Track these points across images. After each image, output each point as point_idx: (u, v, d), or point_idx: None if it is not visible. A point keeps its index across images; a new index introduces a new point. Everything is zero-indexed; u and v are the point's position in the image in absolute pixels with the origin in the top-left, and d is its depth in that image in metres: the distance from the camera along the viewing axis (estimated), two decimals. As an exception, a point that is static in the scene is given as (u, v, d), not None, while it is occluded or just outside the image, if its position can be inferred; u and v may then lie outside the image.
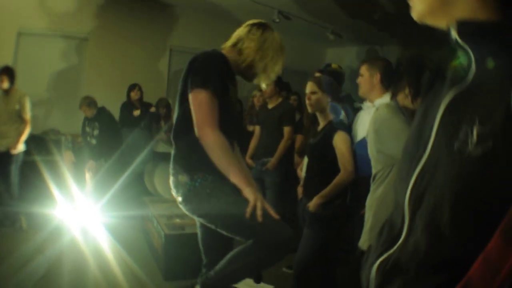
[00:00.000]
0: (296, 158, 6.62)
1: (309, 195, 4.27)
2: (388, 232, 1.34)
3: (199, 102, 3.06)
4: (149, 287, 5.10)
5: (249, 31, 3.38)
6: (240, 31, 3.41)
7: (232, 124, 3.34)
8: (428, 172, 1.15)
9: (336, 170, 4.11)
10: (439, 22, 1.19)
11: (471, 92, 1.08)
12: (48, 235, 6.41)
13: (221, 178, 3.15)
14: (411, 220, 1.21)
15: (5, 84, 6.85)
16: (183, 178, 3.22)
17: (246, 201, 3.04)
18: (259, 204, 2.88)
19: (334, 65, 6.44)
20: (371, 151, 3.56)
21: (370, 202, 3.56)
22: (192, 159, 3.21)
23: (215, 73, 3.13)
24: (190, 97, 3.10)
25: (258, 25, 3.40)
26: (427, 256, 1.13)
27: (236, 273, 3.39)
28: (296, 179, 5.14)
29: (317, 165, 4.37)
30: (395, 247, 1.25)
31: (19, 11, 8.70)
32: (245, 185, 3.03)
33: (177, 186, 3.27)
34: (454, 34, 1.13)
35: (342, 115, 4.62)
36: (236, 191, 3.13)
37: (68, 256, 5.69)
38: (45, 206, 6.96)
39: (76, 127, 8.52)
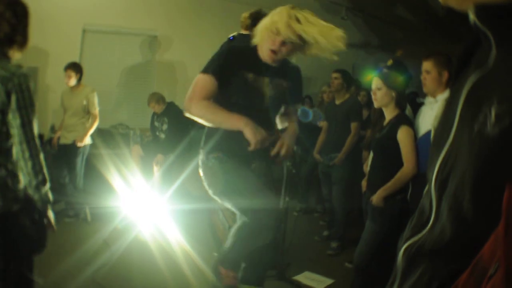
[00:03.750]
0: (364, 153, 6.77)
1: (372, 189, 4.41)
2: (418, 218, 1.41)
3: (194, 82, 3.58)
4: (212, 278, 5.29)
5: None
6: None
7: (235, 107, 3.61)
8: (451, 157, 1.22)
9: (400, 164, 4.22)
10: (464, 6, 1.19)
11: (491, 75, 1.13)
12: (114, 228, 6.75)
13: (230, 158, 3.63)
14: (438, 205, 1.27)
15: (72, 80, 7.21)
16: (201, 156, 3.74)
17: (244, 179, 3.61)
18: (251, 130, 3.42)
19: (389, 61, 6.53)
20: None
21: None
22: (209, 141, 3.68)
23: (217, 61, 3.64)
24: None
25: None
26: (451, 241, 1.19)
27: (232, 251, 3.81)
28: (363, 174, 5.28)
29: (381, 159, 4.49)
30: (423, 232, 1.33)
31: (83, 9, 9.11)
32: (241, 123, 3.44)
33: (200, 164, 3.78)
34: (473, 18, 1.16)
35: (408, 109, 4.76)
36: (240, 169, 3.63)
37: (134, 249, 5.97)
38: (111, 199, 7.32)
39: (144, 122, 8.87)
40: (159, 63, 9.78)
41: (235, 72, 3.62)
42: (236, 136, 3.53)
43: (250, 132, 3.40)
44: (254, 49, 3.71)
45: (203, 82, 3.54)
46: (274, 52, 3.51)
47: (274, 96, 3.76)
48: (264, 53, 3.59)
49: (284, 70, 3.83)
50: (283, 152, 3.65)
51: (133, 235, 6.39)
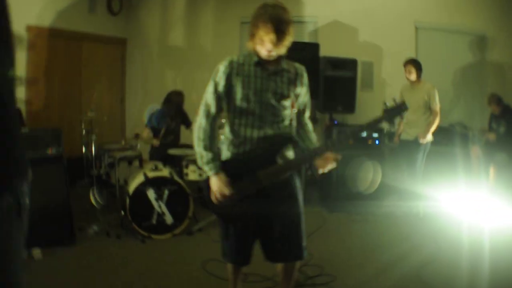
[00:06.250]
0: None
1: None
2: None
3: None
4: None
5: None
6: None
7: None
8: None
9: None
10: None
11: None
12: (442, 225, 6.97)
13: None
14: None
15: (413, 76, 7.54)
16: None
17: None
18: None
19: None
20: None
21: None
22: None
23: None
24: None
25: None
26: None
27: None
28: None
29: None
30: None
31: (414, 6, 9.61)
32: None
33: None
34: None
35: None
36: None
37: (461, 249, 5.95)
38: (446, 197, 7.59)
39: (480, 122, 9.08)
40: (490, 64, 9.74)
41: None
42: None
43: None
44: None
45: None
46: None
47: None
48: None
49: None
50: None
51: (462, 236, 6.48)
